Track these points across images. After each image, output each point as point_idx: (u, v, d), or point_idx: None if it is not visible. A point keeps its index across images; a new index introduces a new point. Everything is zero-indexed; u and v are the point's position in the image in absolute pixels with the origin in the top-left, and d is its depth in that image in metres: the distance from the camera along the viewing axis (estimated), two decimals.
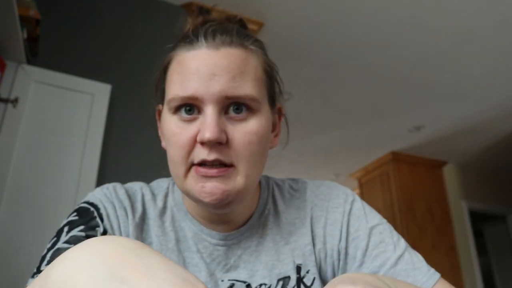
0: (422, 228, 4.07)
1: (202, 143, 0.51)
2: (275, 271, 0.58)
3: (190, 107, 0.52)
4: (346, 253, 0.59)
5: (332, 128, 3.86)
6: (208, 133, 0.49)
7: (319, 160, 4.55)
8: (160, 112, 0.61)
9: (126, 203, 0.57)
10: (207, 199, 0.51)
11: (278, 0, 2.36)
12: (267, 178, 0.67)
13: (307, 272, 0.58)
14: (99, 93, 1.91)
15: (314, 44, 2.72)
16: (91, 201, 0.56)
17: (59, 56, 1.97)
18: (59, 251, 0.48)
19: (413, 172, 4.32)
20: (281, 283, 0.57)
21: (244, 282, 0.57)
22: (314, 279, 0.58)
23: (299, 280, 0.57)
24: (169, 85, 0.55)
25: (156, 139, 0.64)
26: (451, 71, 2.97)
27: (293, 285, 0.57)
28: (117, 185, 0.59)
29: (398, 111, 3.54)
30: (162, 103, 0.58)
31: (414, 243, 3.95)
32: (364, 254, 0.58)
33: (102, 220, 0.54)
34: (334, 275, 0.59)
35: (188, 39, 0.54)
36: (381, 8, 2.39)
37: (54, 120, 1.78)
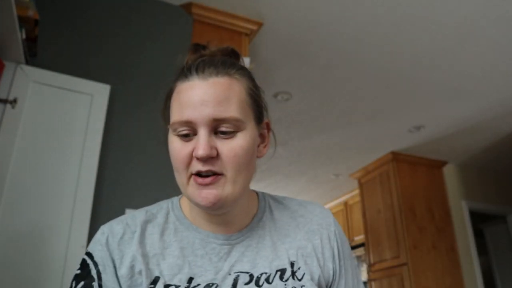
0: (422, 228, 4.06)
1: (197, 158, 0.62)
2: (274, 263, 0.69)
3: (188, 128, 0.63)
4: (340, 267, 0.73)
5: (332, 128, 3.85)
6: (201, 151, 0.61)
7: (319, 160, 4.54)
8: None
9: (120, 234, 0.67)
10: (203, 203, 0.63)
11: (278, 0, 2.36)
12: (262, 193, 0.79)
13: (299, 268, 0.69)
14: (98, 94, 1.90)
15: (314, 44, 2.71)
16: (89, 251, 0.67)
17: (58, 57, 1.97)
18: None
19: (413, 172, 4.32)
20: (279, 273, 0.68)
21: (247, 272, 0.67)
22: (304, 274, 0.69)
23: (293, 273, 0.68)
24: (171, 111, 0.66)
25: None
26: (451, 71, 2.97)
27: (288, 275, 0.68)
28: (113, 223, 0.69)
29: (398, 111, 3.54)
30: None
31: (414, 243, 3.94)
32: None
33: (97, 266, 0.64)
34: (324, 278, 0.72)
35: (184, 73, 0.66)
36: (381, 8, 2.39)
37: (53, 120, 1.78)
